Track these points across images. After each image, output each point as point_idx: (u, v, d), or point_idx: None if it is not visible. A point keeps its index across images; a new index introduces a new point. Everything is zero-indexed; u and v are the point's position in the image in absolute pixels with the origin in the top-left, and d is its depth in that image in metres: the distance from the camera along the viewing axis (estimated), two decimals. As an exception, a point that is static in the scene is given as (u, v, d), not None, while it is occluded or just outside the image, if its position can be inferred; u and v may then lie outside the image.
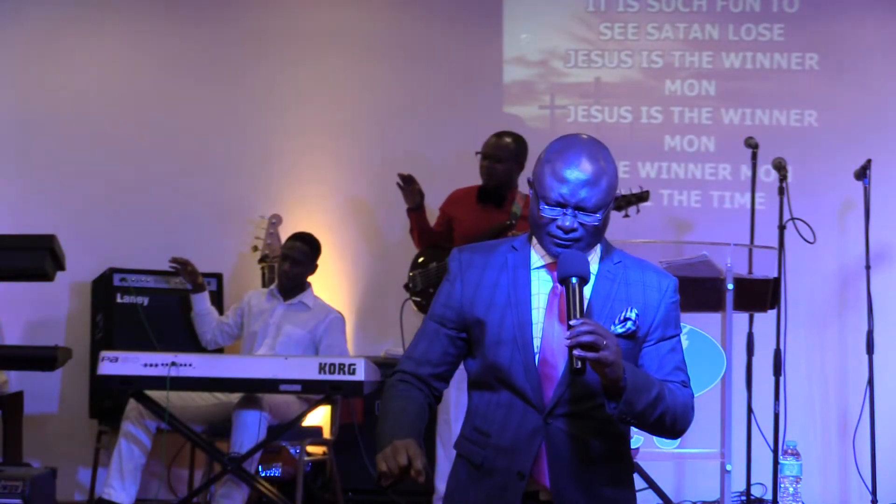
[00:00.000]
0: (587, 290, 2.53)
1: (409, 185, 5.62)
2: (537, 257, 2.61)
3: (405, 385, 2.65)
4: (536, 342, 2.55)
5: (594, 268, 2.58)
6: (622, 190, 5.72)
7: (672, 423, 2.55)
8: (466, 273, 2.64)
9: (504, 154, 5.52)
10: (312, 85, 6.34)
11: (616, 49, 6.31)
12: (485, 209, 5.55)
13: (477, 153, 5.52)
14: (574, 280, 2.43)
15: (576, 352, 2.34)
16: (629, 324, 2.54)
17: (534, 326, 2.56)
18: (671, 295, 2.62)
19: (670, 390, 2.53)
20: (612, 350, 2.36)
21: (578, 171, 2.50)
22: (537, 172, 2.56)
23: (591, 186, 2.50)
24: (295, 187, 6.27)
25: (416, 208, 5.62)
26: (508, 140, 5.56)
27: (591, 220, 2.51)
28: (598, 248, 2.61)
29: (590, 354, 2.34)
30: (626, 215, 5.44)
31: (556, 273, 2.54)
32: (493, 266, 2.63)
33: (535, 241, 2.62)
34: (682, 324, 4.42)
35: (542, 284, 2.59)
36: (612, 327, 2.52)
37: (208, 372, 4.91)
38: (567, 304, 2.42)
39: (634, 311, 2.55)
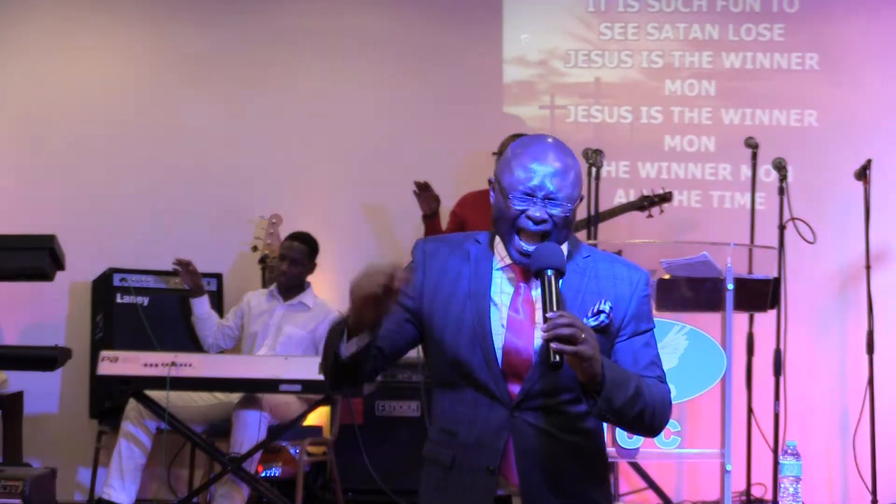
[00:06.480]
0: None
1: (424, 192, 5.61)
2: (499, 259, 2.54)
3: None
4: (500, 338, 2.48)
5: None
6: (644, 191, 5.73)
7: (651, 420, 2.46)
8: (430, 262, 2.57)
9: None
10: (312, 86, 6.35)
11: (616, 49, 6.31)
12: None
13: (494, 153, 5.51)
14: (549, 272, 2.36)
15: (553, 345, 2.26)
16: (602, 317, 2.45)
17: (494, 321, 2.48)
18: (643, 288, 2.55)
19: (648, 385, 2.45)
20: (590, 344, 2.28)
21: (547, 164, 2.46)
22: (502, 168, 2.50)
23: (561, 177, 2.45)
24: (295, 187, 6.27)
25: (431, 215, 5.60)
26: None
27: (561, 211, 2.45)
28: (565, 244, 2.53)
29: (567, 348, 2.26)
30: (650, 216, 5.43)
31: (517, 275, 2.50)
32: (457, 256, 2.56)
33: (497, 242, 2.56)
34: (682, 324, 4.44)
35: (504, 284, 2.52)
36: (585, 320, 2.41)
37: (208, 372, 4.91)
38: (543, 297, 2.35)
39: (608, 303, 2.47)
